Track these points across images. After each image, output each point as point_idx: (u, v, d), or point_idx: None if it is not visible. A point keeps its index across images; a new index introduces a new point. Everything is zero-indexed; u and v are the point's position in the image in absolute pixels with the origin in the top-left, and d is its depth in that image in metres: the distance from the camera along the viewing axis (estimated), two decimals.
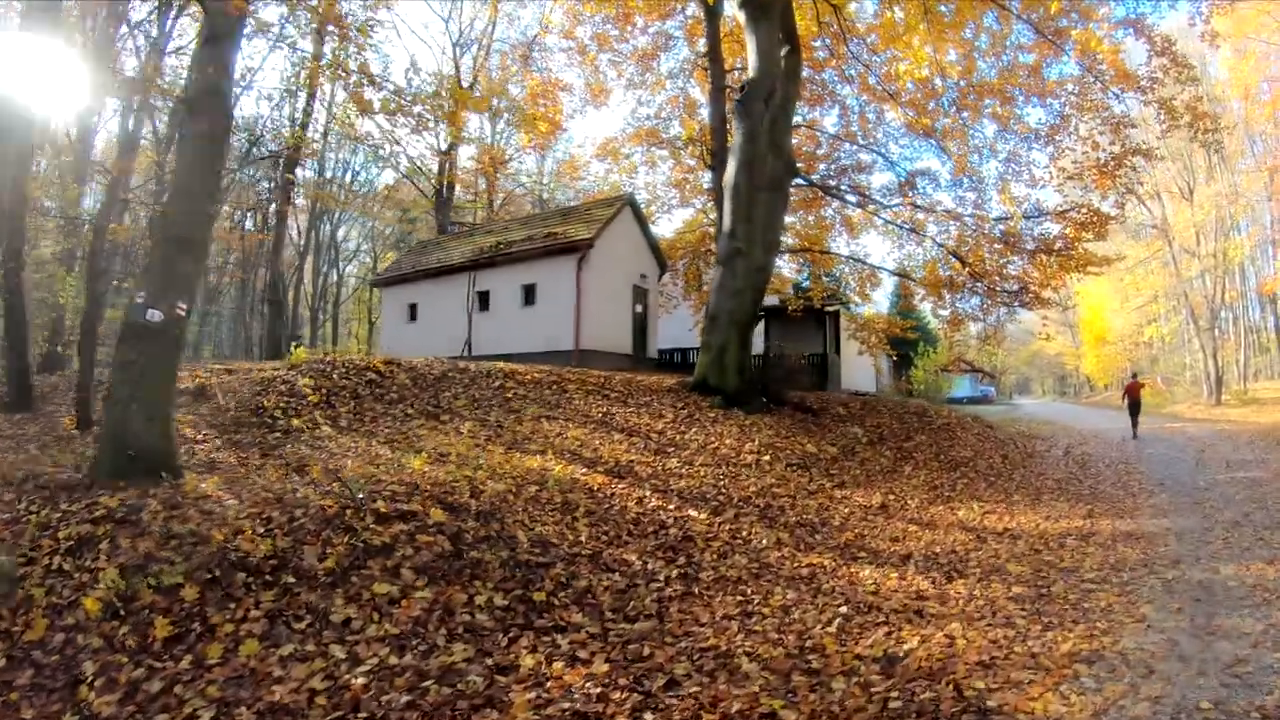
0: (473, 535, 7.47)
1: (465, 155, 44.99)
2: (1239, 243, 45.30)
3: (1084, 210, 21.48)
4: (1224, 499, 12.66)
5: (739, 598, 7.51)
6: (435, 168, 42.05)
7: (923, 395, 30.14)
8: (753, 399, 16.80)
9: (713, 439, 14.01)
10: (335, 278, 57.53)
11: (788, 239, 28.12)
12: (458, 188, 45.48)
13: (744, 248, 17.46)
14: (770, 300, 27.42)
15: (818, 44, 24.38)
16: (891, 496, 12.99)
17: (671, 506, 10.24)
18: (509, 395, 14.68)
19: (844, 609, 7.17)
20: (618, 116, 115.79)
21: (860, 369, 32.73)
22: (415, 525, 7.27)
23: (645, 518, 9.62)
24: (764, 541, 9.58)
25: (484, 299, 26.37)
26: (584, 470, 10.95)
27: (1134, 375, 29.42)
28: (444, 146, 42.08)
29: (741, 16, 19.48)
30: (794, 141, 26.63)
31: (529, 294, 25.26)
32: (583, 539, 8.37)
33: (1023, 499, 13.67)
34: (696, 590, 7.64)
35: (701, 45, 24.60)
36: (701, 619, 6.82)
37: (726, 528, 9.84)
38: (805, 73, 24.92)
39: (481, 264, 26.66)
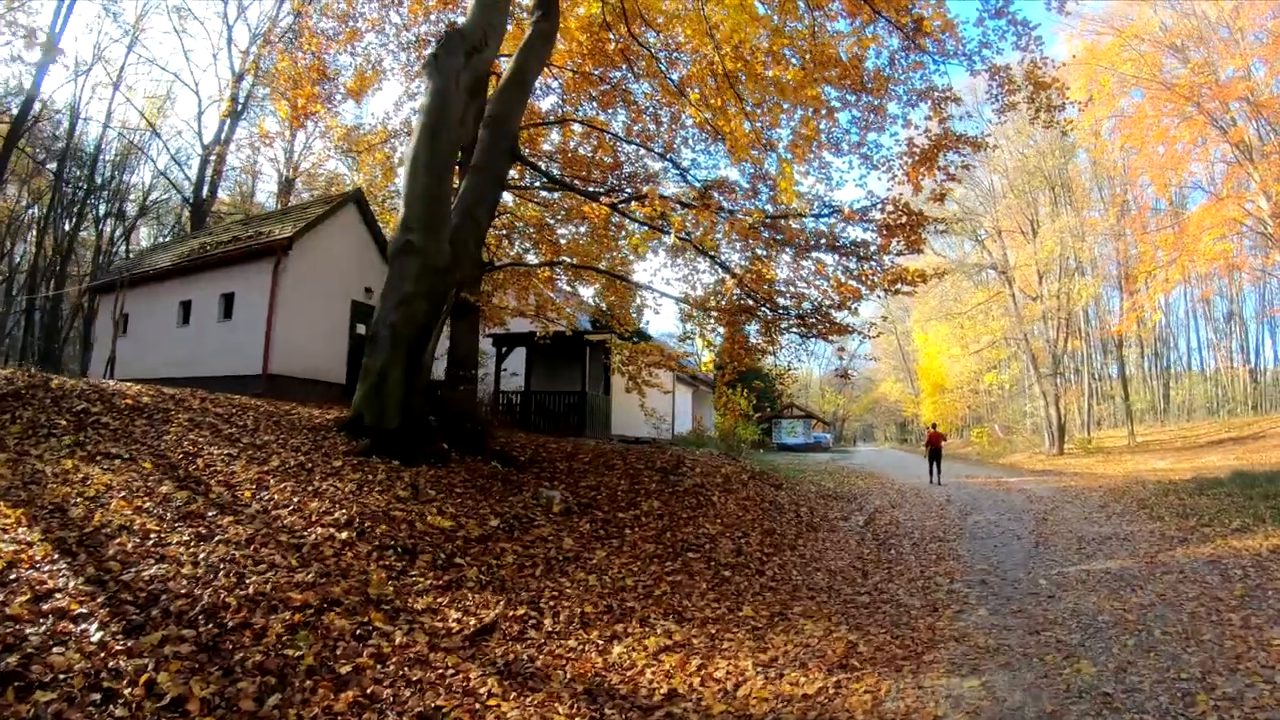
0: None
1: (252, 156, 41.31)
2: (1084, 284, 43.02)
3: (891, 207, 16.36)
4: (1080, 622, 7.50)
5: None
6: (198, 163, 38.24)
7: (716, 444, 24.87)
8: (421, 444, 11.84)
9: (294, 500, 8.75)
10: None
11: (568, 258, 22.76)
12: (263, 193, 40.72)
13: (417, 241, 12.50)
14: (522, 327, 22.11)
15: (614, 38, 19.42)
16: (525, 610, 7.61)
17: (78, 611, 5.49)
18: (84, 423, 10.03)
19: None
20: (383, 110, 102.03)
21: (662, 411, 27.27)
22: None
23: None
24: (120, 710, 4.66)
25: (186, 310, 22.08)
26: (32, 539, 6.41)
27: (934, 426, 28.39)
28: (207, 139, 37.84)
29: None
30: (570, 143, 21.51)
31: (228, 305, 20.95)
32: None
33: (756, 614, 8.35)
34: None
35: None
36: None
37: (111, 664, 5.01)
38: (594, 70, 19.94)
39: (184, 269, 22.31)
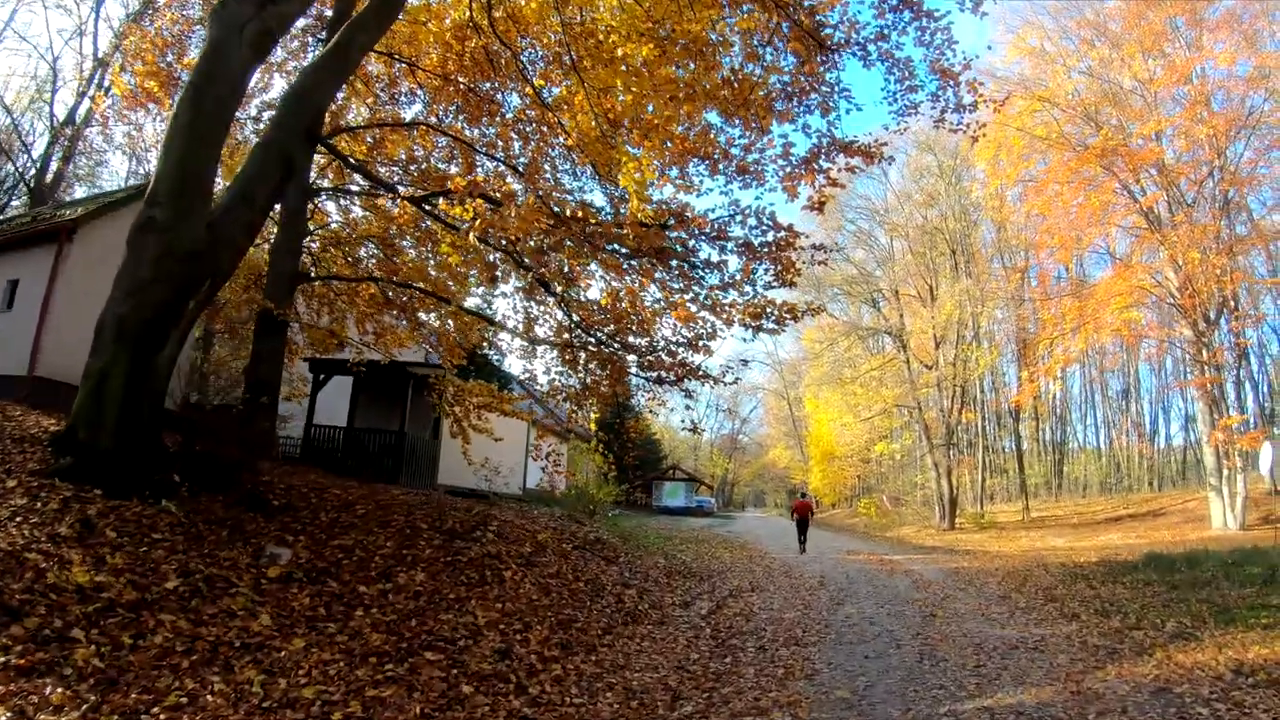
0: None
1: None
2: (982, 352, 41.85)
3: (754, 220, 13.08)
4: None
5: None
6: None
7: (570, 503, 21.60)
8: (144, 471, 9.39)
9: None
10: None
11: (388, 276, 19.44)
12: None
13: (162, 217, 9.86)
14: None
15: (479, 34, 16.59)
16: None
17: None
18: None
19: None
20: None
21: (506, 463, 23.49)
22: None
23: None
24: None
25: None
26: None
27: (802, 494, 28.51)
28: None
29: None
30: (432, 157, 18.44)
31: (11, 294, 18.33)
32: None
33: None
34: None
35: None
36: None
37: None
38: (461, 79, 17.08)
39: None
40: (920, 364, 42.93)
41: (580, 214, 11.91)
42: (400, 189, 15.01)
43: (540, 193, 11.93)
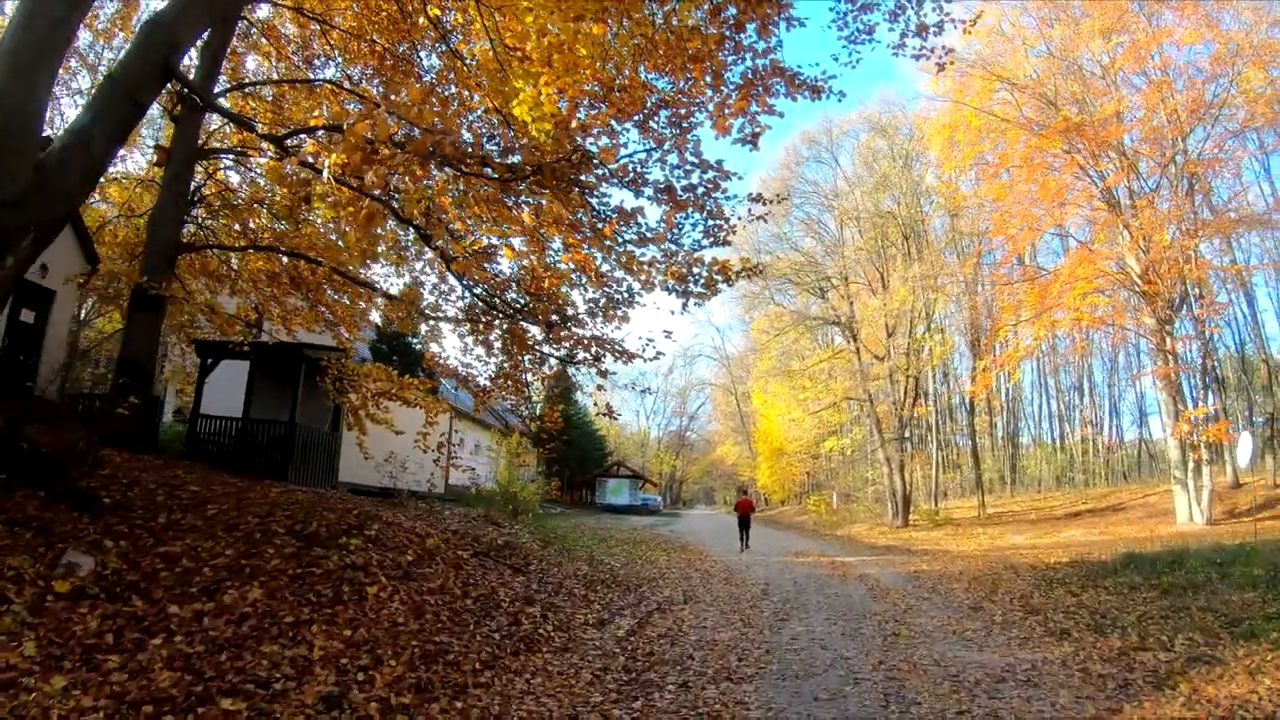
0: None
1: None
2: (936, 342, 40.92)
3: (676, 159, 10.89)
4: None
5: None
6: None
7: (493, 501, 19.69)
8: None
9: None
10: None
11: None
12: None
13: None
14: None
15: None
16: None
17: None
18: None
19: None
20: None
21: (416, 457, 20.66)
22: None
23: None
24: None
25: None
26: None
27: (744, 492, 28.01)
28: None
29: None
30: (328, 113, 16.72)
31: None
32: None
33: None
34: None
35: None
36: None
37: None
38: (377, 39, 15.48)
39: None
40: (871, 355, 41.43)
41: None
42: (257, 129, 12.81)
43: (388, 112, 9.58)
